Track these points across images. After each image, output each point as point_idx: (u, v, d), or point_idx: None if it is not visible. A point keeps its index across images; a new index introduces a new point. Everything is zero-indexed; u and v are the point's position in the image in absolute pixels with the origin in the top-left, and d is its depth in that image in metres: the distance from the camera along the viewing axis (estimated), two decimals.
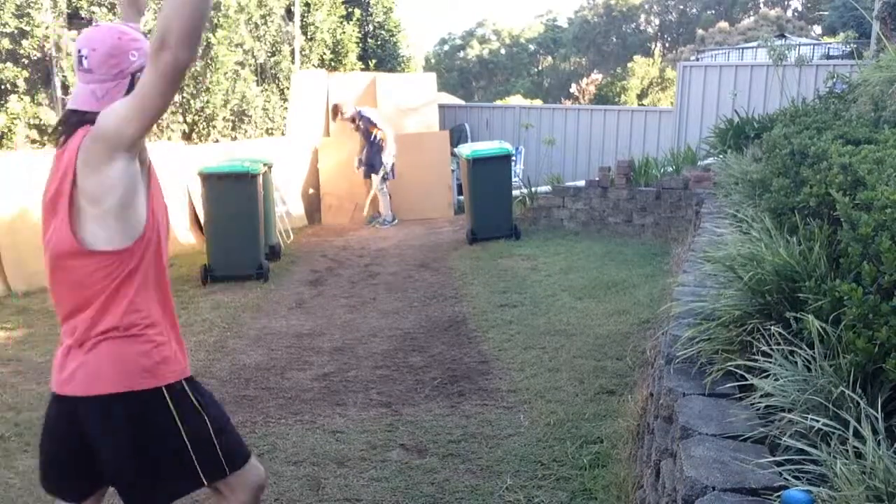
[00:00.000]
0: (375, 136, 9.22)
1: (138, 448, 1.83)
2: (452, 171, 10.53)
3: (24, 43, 7.00)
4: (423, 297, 6.01)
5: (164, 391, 1.83)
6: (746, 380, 1.96)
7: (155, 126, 6.98)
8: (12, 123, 6.95)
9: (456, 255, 7.52)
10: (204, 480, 1.91)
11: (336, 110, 9.38)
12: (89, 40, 1.86)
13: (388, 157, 9.23)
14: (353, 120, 9.28)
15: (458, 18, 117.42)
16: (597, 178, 8.42)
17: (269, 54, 10.31)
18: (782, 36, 21.43)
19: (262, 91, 10.15)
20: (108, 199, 1.75)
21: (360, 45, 12.61)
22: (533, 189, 9.16)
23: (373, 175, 9.34)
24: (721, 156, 6.02)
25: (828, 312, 1.84)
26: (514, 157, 9.33)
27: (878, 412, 1.53)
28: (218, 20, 9.13)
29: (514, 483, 2.95)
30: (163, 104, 1.72)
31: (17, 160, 6.66)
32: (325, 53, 11.56)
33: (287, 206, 8.81)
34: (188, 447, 1.86)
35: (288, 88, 10.42)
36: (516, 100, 28.95)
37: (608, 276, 6.15)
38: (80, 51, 1.87)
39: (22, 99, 7.04)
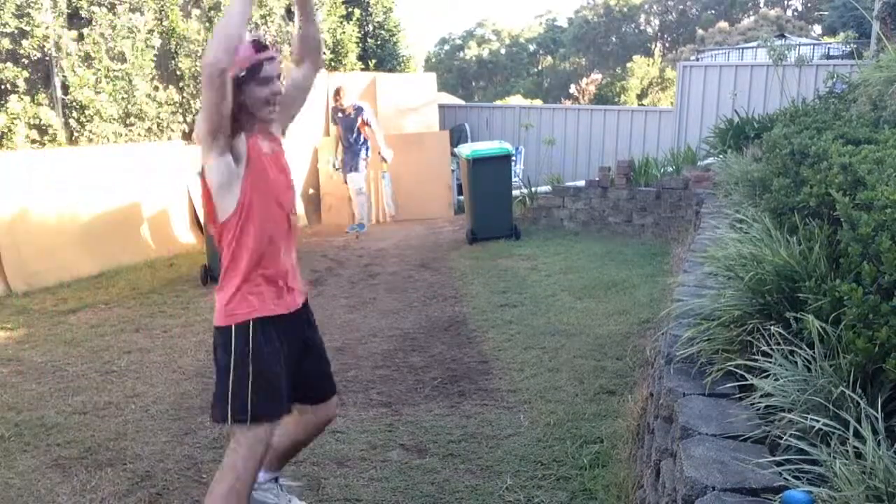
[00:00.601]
0: (362, 137, 8.97)
1: (218, 368, 2.33)
2: (452, 171, 10.54)
3: (24, 43, 7.00)
4: (423, 297, 6.01)
5: (232, 329, 2.28)
6: (746, 380, 1.96)
7: (155, 126, 7.09)
8: (12, 123, 6.95)
9: (456, 255, 7.52)
10: (230, 417, 2.27)
11: (337, 93, 9.09)
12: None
13: (363, 163, 9.00)
14: (343, 110, 8.99)
15: (457, 18, 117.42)
16: (597, 178, 8.42)
17: None
18: (782, 36, 21.44)
19: None
20: (212, 186, 2.27)
21: (360, 45, 12.61)
22: (533, 189, 9.16)
23: (350, 178, 9.06)
24: (721, 156, 6.02)
25: (828, 312, 1.84)
26: (514, 157, 9.33)
27: (878, 412, 1.53)
28: (218, 20, 9.13)
29: (514, 483, 2.95)
30: (209, 105, 2.11)
31: (17, 160, 6.67)
32: (325, 53, 11.56)
33: None
34: (230, 379, 2.27)
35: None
36: (516, 100, 28.97)
37: (608, 276, 6.15)
38: None
39: (22, 99, 7.03)
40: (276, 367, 2.33)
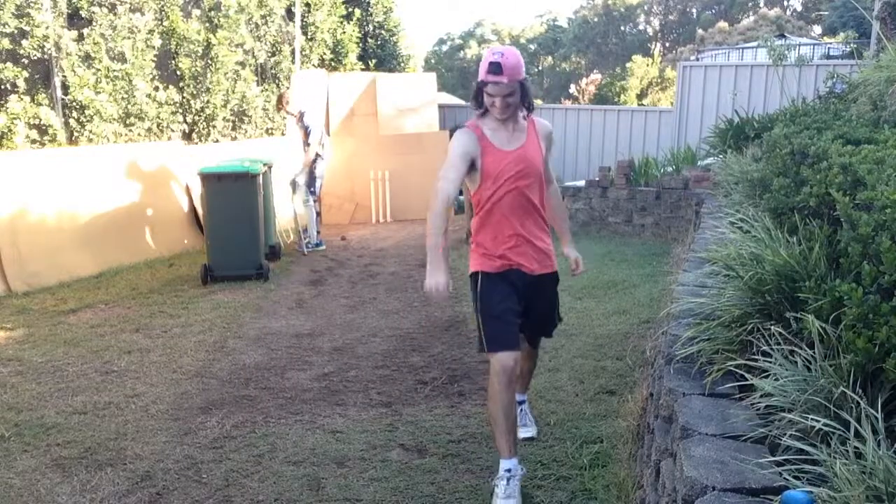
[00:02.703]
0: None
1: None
2: None
3: (24, 43, 7.00)
4: (423, 297, 6.01)
5: (474, 276, 3.06)
6: (746, 380, 1.96)
7: (155, 126, 7.17)
8: (12, 123, 6.94)
9: (456, 255, 7.51)
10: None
11: (279, 100, 8.14)
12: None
13: (303, 175, 8.05)
14: (294, 116, 8.07)
15: (457, 19, 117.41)
16: (597, 178, 8.42)
17: (270, 54, 10.31)
18: (782, 36, 21.44)
19: (262, 91, 10.14)
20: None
21: (360, 45, 12.61)
22: None
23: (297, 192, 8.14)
24: (721, 156, 6.02)
25: (828, 312, 1.83)
26: None
27: (878, 412, 1.53)
28: (218, 20, 9.12)
29: None
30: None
31: (17, 160, 6.66)
32: (325, 53, 11.55)
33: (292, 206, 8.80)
34: (477, 315, 3.00)
35: (288, 88, 10.42)
36: None
37: (608, 276, 6.15)
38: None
39: (22, 99, 7.03)
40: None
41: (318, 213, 8.52)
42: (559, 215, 3.21)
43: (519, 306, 2.97)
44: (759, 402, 1.82)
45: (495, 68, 2.77)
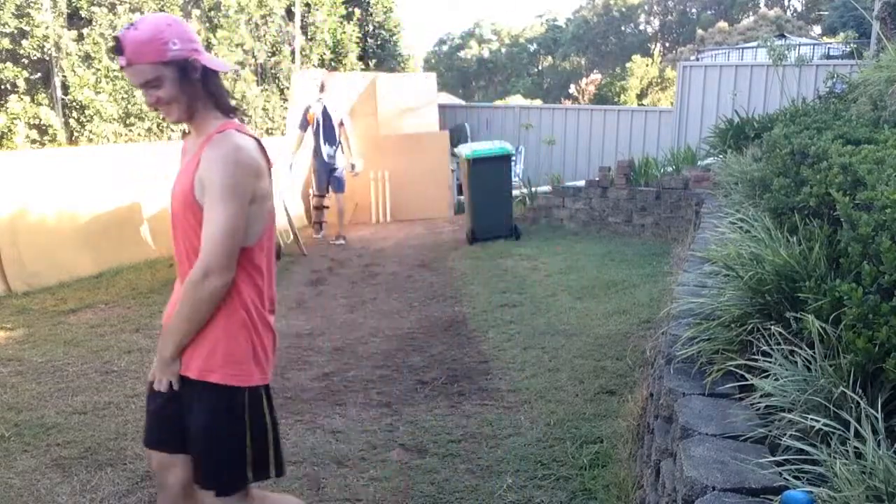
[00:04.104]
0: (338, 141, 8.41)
1: None
2: (452, 171, 10.54)
3: (24, 43, 7.00)
4: (423, 297, 6.01)
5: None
6: (746, 380, 1.96)
7: (155, 126, 7.10)
8: (12, 123, 6.95)
9: (456, 255, 7.52)
10: None
11: (324, 87, 8.39)
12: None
13: (291, 158, 8.42)
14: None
15: (457, 19, 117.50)
16: (597, 178, 8.42)
17: (270, 54, 10.31)
18: (782, 36, 21.44)
19: (262, 91, 10.14)
20: None
21: (360, 45, 12.62)
22: (533, 189, 9.16)
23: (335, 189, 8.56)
24: (721, 156, 6.02)
25: (828, 312, 1.83)
26: (514, 157, 9.33)
27: (878, 412, 1.53)
28: (218, 20, 9.13)
29: (514, 483, 2.95)
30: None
31: (18, 160, 6.66)
32: (325, 53, 11.56)
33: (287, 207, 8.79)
34: None
35: (288, 88, 10.43)
36: (516, 100, 29.00)
37: (608, 276, 6.15)
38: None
39: (22, 99, 7.03)
40: None
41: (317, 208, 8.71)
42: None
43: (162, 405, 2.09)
44: (759, 402, 1.82)
45: (116, 48, 1.79)
